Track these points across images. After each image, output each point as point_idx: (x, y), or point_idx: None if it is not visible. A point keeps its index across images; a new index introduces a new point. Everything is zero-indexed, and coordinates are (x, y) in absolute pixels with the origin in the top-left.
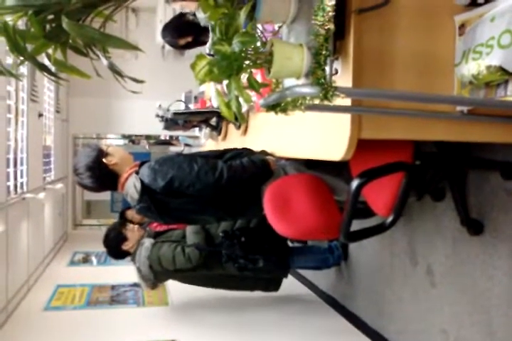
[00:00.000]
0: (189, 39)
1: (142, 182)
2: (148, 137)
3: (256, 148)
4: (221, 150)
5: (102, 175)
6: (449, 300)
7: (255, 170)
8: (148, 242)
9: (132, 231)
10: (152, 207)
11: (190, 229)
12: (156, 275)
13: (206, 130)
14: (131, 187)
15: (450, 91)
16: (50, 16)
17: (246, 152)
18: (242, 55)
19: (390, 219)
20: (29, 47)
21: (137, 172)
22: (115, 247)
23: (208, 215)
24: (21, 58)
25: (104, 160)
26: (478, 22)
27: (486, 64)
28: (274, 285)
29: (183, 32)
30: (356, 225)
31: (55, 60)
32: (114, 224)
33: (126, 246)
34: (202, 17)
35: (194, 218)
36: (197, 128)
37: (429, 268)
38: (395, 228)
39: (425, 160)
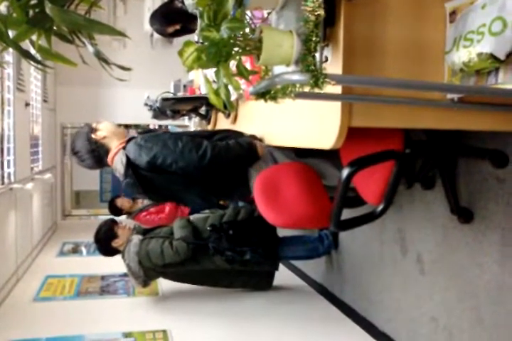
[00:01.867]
0: (177, 27)
1: (128, 157)
2: (137, 126)
3: None
4: (211, 130)
5: (94, 150)
6: (439, 287)
7: (240, 151)
8: (136, 238)
9: (124, 229)
10: (137, 183)
11: (177, 224)
12: (146, 271)
13: (195, 119)
14: (118, 162)
15: (441, 79)
16: (33, 1)
17: (235, 135)
18: (231, 41)
19: (380, 207)
20: (12, 33)
21: (124, 148)
22: (105, 244)
23: (192, 194)
24: (3, 45)
25: (93, 135)
26: (469, 9)
27: (477, 51)
28: (266, 280)
29: (171, 19)
30: (346, 214)
31: (39, 47)
32: (106, 221)
33: (116, 244)
34: (190, 3)
35: (179, 196)
36: (186, 118)
37: (418, 256)
38: (385, 216)
39: (415, 148)
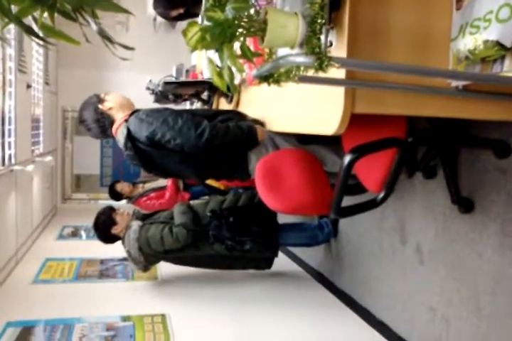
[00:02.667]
0: (181, 10)
1: (129, 130)
2: (138, 110)
3: None
4: (215, 110)
5: (99, 120)
6: (438, 277)
7: (239, 134)
8: (136, 225)
9: (122, 215)
10: (136, 156)
11: (177, 210)
12: (146, 257)
13: (197, 104)
14: (120, 134)
15: (445, 67)
16: None
17: (238, 117)
18: (236, 22)
19: (381, 195)
20: (14, 9)
21: (127, 121)
22: (105, 231)
23: (189, 172)
24: (6, 20)
25: (100, 106)
26: None
27: (483, 38)
28: (265, 263)
29: (175, 3)
30: (347, 201)
31: (42, 24)
32: (104, 209)
33: (116, 230)
34: None
35: (176, 172)
36: (188, 102)
37: (418, 245)
38: (386, 205)
39: (418, 136)
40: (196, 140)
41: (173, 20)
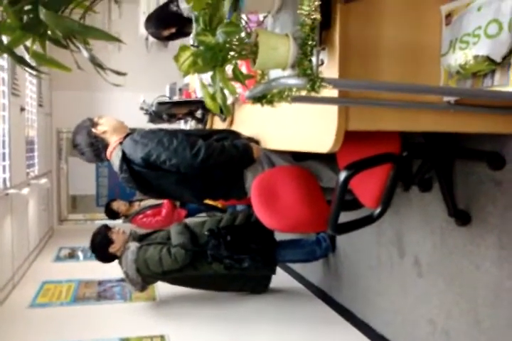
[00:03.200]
0: (173, 30)
1: (124, 152)
2: (132, 130)
3: None
4: (209, 130)
5: (93, 144)
6: (437, 290)
7: (235, 153)
8: (133, 246)
9: (117, 234)
10: (131, 178)
11: (174, 230)
12: (144, 278)
13: (192, 122)
14: (115, 157)
15: (437, 82)
16: (27, 7)
17: (233, 136)
18: (227, 45)
19: (377, 210)
20: (6, 39)
21: (122, 143)
22: (102, 251)
23: (185, 192)
24: None
25: (93, 130)
26: (465, 11)
27: (473, 54)
28: (263, 284)
29: (166, 23)
30: (344, 217)
31: (33, 53)
32: (99, 228)
33: (113, 249)
34: (185, 7)
35: (172, 193)
36: (182, 121)
37: (416, 258)
38: (383, 219)
39: (412, 151)
40: (192, 160)
41: (165, 39)
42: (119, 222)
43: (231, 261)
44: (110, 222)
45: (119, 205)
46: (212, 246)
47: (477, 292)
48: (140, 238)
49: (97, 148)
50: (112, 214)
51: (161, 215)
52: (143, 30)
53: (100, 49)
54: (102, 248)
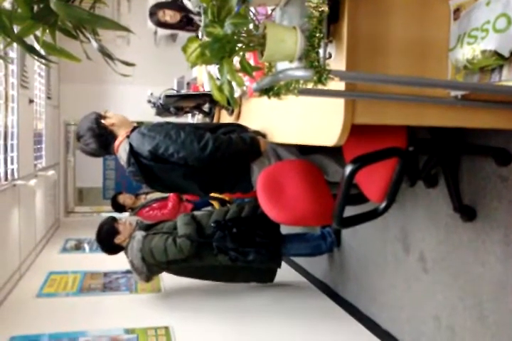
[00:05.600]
0: (169, 13)
1: (131, 145)
2: (140, 123)
3: None
4: (216, 123)
5: (101, 135)
6: (441, 286)
7: (242, 146)
8: (139, 235)
9: (124, 225)
10: (139, 171)
11: (181, 221)
12: (149, 267)
13: (199, 116)
14: (122, 150)
15: (444, 76)
16: None
17: (240, 129)
18: (235, 37)
19: (383, 205)
20: (16, 28)
21: (129, 136)
22: (108, 241)
23: (193, 185)
24: (8, 40)
25: (102, 121)
26: (474, 6)
27: (481, 48)
28: (268, 276)
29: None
30: (349, 211)
31: (43, 43)
32: (106, 219)
33: (119, 240)
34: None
35: (180, 187)
36: (189, 115)
37: (421, 254)
38: (388, 214)
39: (419, 146)
40: (200, 152)
41: (160, 25)
42: (125, 214)
43: (236, 254)
44: (117, 215)
45: (125, 198)
46: (218, 238)
47: (482, 288)
48: (146, 227)
49: (105, 140)
50: (118, 208)
51: (167, 208)
52: (151, 25)
53: (109, 43)
54: (107, 238)
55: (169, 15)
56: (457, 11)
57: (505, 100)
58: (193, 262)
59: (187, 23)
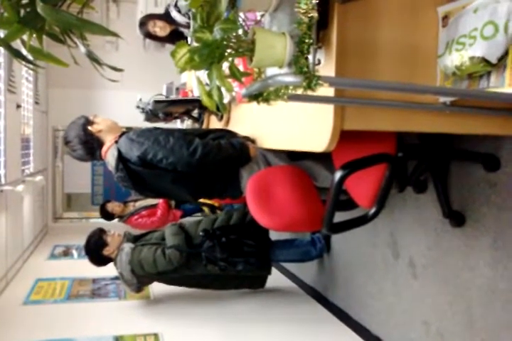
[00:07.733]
0: (159, 24)
1: (120, 151)
2: (128, 129)
3: None
4: (205, 129)
5: (88, 141)
6: (431, 291)
7: (232, 152)
8: (127, 247)
9: (112, 237)
10: (127, 177)
11: (169, 231)
12: (139, 279)
13: (188, 122)
14: (110, 156)
15: (433, 83)
16: (25, 0)
17: (229, 135)
18: (224, 42)
19: (372, 210)
20: (3, 33)
21: (117, 142)
22: (96, 253)
23: (181, 191)
24: None
25: (89, 127)
26: (462, 13)
27: (469, 55)
28: (259, 283)
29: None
30: (339, 217)
31: (30, 47)
32: (94, 231)
33: (108, 252)
34: (183, 4)
35: (168, 192)
36: (178, 120)
37: (410, 259)
38: (377, 220)
39: (408, 151)
40: (189, 158)
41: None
42: (114, 222)
43: (225, 264)
44: (106, 223)
45: (113, 206)
46: (207, 248)
47: (471, 293)
48: (134, 239)
49: (91, 146)
50: (107, 216)
51: (156, 216)
52: None
53: (98, 48)
54: (96, 250)
55: (159, 27)
56: (445, 18)
57: (493, 106)
58: (183, 272)
59: (177, 36)
